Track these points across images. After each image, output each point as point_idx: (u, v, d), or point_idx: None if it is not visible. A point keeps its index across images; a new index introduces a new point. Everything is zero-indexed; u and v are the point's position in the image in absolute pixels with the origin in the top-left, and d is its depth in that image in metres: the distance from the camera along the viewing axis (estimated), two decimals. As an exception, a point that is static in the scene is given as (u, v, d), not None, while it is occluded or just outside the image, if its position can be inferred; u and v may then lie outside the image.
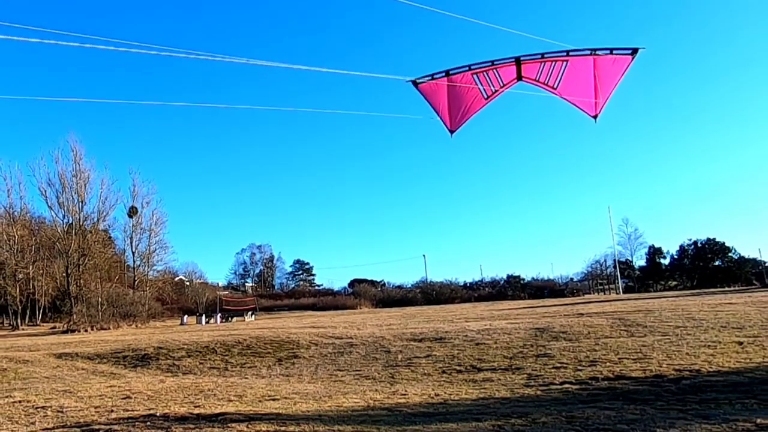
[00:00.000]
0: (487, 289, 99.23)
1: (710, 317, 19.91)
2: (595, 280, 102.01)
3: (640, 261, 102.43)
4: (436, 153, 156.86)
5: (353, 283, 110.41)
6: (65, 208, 64.94)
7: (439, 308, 59.65)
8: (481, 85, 11.53)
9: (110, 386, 14.19)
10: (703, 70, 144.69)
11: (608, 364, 13.46)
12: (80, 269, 64.37)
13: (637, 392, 10.31)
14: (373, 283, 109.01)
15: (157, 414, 9.75)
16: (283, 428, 8.18)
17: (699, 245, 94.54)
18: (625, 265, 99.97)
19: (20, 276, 64.02)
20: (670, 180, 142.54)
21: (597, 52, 11.03)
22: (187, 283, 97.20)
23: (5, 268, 63.03)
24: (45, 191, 64.09)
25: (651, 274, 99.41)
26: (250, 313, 66.88)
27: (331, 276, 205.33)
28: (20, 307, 64.48)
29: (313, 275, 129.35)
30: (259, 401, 11.14)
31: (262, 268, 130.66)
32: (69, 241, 63.64)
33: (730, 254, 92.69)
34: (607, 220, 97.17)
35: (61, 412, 10.48)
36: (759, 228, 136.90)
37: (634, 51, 10.85)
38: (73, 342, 30.28)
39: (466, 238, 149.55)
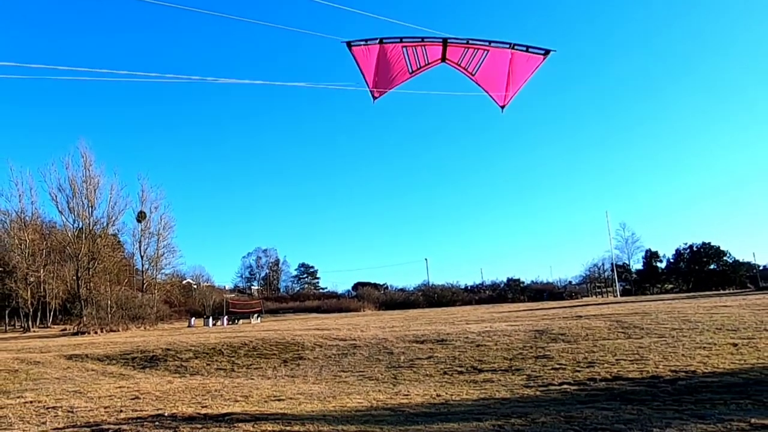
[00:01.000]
0: (487, 292, 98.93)
1: (705, 319, 19.88)
2: (593, 283, 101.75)
3: (637, 264, 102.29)
4: (437, 159, 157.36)
5: (357, 286, 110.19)
6: (75, 213, 65.03)
7: (441, 311, 59.57)
8: (409, 59, 11.62)
9: (119, 387, 14.22)
10: (697, 78, 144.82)
11: (606, 365, 13.46)
12: (90, 273, 64.39)
13: (634, 393, 10.30)
14: (376, 286, 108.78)
15: (165, 414, 9.77)
16: (288, 428, 8.19)
17: (694, 249, 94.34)
18: (623, 269, 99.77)
19: (31, 279, 64.17)
20: (667, 185, 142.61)
21: (515, 47, 11.25)
22: (195, 286, 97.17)
23: (17, 272, 63.15)
24: (56, 196, 64.18)
25: (648, 278, 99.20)
26: (256, 315, 66.84)
27: (335, 279, 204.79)
28: (31, 310, 64.63)
29: (318, 278, 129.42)
30: (265, 402, 11.16)
31: (267, 271, 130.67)
32: (79, 245, 63.68)
33: (724, 258, 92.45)
34: (604, 225, 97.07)
35: (72, 412, 10.50)
36: (753, 232, 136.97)
37: (547, 52, 11.16)
38: (83, 344, 30.33)
39: (467, 242, 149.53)
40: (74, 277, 64.50)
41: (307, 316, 70.16)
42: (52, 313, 70.53)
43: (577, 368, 13.51)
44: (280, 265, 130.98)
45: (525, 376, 13.33)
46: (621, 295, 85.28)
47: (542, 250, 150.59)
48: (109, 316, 56.84)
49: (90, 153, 65.23)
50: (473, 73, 11.53)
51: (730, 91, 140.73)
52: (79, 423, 9.41)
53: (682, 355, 13.74)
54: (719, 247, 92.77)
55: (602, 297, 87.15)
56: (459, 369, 15.23)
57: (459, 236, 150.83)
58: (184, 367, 19.62)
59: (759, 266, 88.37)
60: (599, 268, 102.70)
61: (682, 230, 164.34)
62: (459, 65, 11.53)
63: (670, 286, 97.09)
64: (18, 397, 12.78)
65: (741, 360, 12.54)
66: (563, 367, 13.88)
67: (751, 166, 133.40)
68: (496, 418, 8.40)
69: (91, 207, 65.69)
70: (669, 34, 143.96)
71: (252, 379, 16.31)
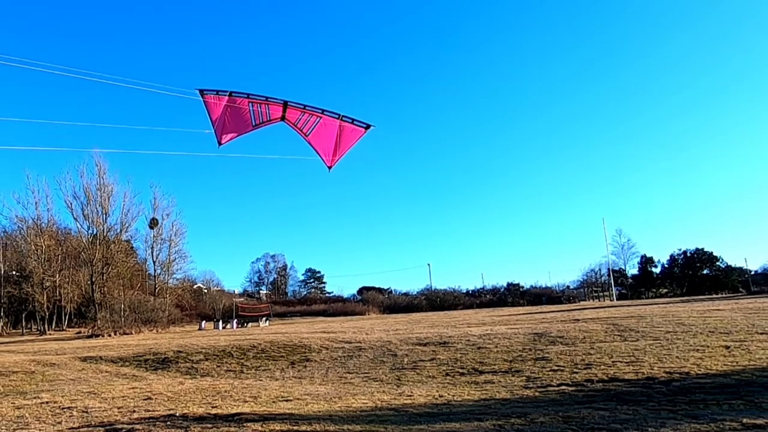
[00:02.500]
0: (488, 296, 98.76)
1: (699, 323, 19.82)
2: (590, 288, 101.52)
3: (632, 270, 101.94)
4: (440, 169, 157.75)
5: (362, 290, 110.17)
6: (90, 220, 65.43)
7: (443, 314, 59.48)
8: (253, 113, 12.56)
9: (132, 388, 14.22)
10: (692, 95, 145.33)
11: (603, 367, 13.42)
12: (104, 277, 64.63)
13: (630, 393, 10.28)
14: (380, 290, 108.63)
15: (177, 414, 9.78)
16: (295, 428, 8.19)
17: (688, 255, 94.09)
18: (619, 274, 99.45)
19: (47, 284, 64.36)
20: (662, 193, 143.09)
21: (344, 119, 12.54)
22: (205, 291, 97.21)
23: (33, 277, 63.39)
24: (71, 204, 64.69)
25: (643, 282, 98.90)
26: (264, 318, 66.93)
27: (341, 284, 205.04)
28: (47, 313, 64.84)
29: (324, 283, 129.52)
30: (273, 402, 11.15)
31: (275, 276, 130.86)
32: (93, 251, 63.96)
33: (717, 263, 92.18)
34: (601, 231, 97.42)
35: (86, 412, 10.51)
36: (745, 238, 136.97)
37: (368, 126, 12.62)
38: (97, 346, 30.32)
39: (469, 248, 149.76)
40: (89, 282, 64.74)
41: (313, 320, 70.09)
42: (67, 317, 70.66)
43: (575, 370, 13.48)
44: (287, 271, 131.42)
45: (524, 378, 13.30)
46: (617, 300, 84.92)
47: (541, 256, 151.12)
48: (123, 319, 56.90)
49: (104, 162, 65.74)
50: (307, 134, 12.61)
51: (721, 109, 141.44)
52: (93, 423, 9.42)
53: (677, 357, 13.70)
54: (712, 253, 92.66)
55: (599, 301, 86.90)
56: (461, 370, 15.20)
57: (461, 242, 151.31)
58: (195, 368, 19.62)
59: (750, 271, 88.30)
60: (596, 273, 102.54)
61: (677, 237, 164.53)
62: (296, 126, 12.58)
63: (665, 290, 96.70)
64: (34, 398, 12.79)
65: (733, 362, 12.49)
66: (561, 368, 13.84)
67: (743, 175, 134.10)
68: (496, 418, 8.39)
69: (105, 214, 66.25)
70: (669, 48, 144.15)
71: (261, 380, 16.30)
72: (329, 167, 12.83)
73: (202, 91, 12.31)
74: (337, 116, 12.52)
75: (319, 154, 12.71)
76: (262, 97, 12.49)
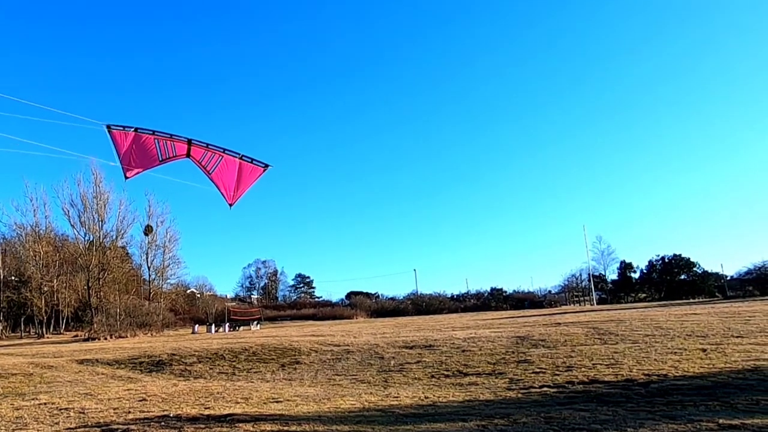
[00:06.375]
0: (472, 300, 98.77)
1: (676, 326, 19.92)
2: (571, 293, 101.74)
3: (612, 275, 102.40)
4: (426, 175, 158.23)
5: (350, 295, 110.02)
6: (86, 227, 65.11)
7: (429, 318, 59.43)
8: (159, 149, 12.64)
9: (128, 390, 14.12)
10: (665, 103, 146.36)
11: (583, 369, 13.43)
12: (100, 282, 64.26)
13: (610, 395, 10.29)
14: (368, 295, 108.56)
15: (171, 415, 9.72)
16: (286, 428, 8.16)
17: (666, 260, 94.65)
18: (599, 279, 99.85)
19: (45, 289, 63.99)
20: (640, 200, 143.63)
21: (243, 158, 12.75)
22: (198, 295, 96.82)
23: (31, 282, 63.02)
24: (68, 211, 64.38)
25: (622, 287, 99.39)
26: (255, 322, 66.62)
27: (330, 288, 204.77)
28: (45, 317, 64.48)
29: (314, 288, 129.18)
30: (264, 403, 11.10)
31: (266, 281, 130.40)
32: (90, 257, 63.63)
33: (694, 269, 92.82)
34: (582, 238, 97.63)
35: (83, 413, 10.44)
36: (721, 245, 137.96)
37: (266, 166, 12.83)
38: (93, 349, 30.08)
39: (453, 253, 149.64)
40: (85, 287, 64.37)
41: (303, 324, 69.89)
42: (64, 321, 70.34)
43: (556, 372, 13.49)
44: (278, 276, 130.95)
45: (507, 380, 13.30)
46: (597, 304, 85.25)
47: (523, 262, 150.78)
48: (118, 323, 56.44)
49: (100, 171, 65.43)
50: (210, 171, 12.72)
51: (697, 115, 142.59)
52: (90, 423, 9.36)
53: (655, 359, 13.75)
54: (689, 258, 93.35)
55: (580, 305, 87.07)
56: (446, 373, 15.18)
57: (445, 248, 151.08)
58: (189, 371, 19.50)
59: (726, 276, 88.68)
60: (577, 279, 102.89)
61: (655, 243, 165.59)
62: (200, 163, 12.70)
63: (644, 295, 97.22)
64: (33, 399, 12.69)
65: (710, 364, 12.54)
66: (543, 371, 13.85)
67: (718, 182, 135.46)
68: (480, 418, 8.39)
69: (101, 221, 65.94)
70: (648, 54, 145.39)
71: (252, 382, 16.22)
72: (230, 204, 12.89)
73: (109, 127, 12.38)
74: (237, 156, 12.68)
75: (221, 192, 12.80)
76: (167, 134, 12.62)
